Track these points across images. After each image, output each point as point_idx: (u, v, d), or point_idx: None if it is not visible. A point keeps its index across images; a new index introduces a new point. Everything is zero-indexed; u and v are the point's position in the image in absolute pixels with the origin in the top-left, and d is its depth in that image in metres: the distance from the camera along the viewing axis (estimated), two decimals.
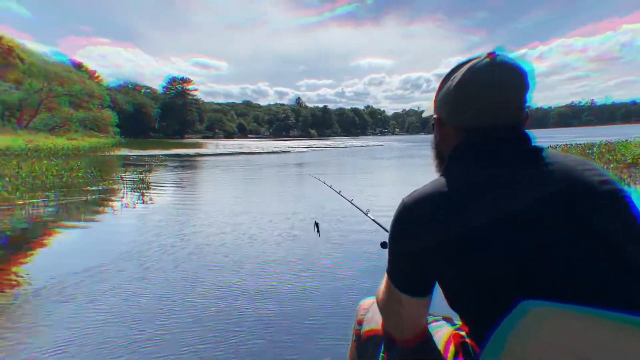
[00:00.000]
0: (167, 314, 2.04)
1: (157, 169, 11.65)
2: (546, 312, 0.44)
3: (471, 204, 0.55)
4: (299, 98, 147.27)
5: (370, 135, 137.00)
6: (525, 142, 0.61)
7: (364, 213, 1.67)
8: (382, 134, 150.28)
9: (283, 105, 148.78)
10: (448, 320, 0.84)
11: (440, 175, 0.65)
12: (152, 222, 4.29)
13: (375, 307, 0.89)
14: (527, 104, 0.63)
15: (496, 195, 0.55)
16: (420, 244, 0.59)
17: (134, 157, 18.12)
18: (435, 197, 0.59)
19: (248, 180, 8.88)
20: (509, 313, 0.45)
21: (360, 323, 0.93)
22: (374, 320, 0.88)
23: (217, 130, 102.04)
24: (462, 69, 0.64)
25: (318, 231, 3.42)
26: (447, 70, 0.70)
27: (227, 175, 10.27)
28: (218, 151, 24.84)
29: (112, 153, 21.45)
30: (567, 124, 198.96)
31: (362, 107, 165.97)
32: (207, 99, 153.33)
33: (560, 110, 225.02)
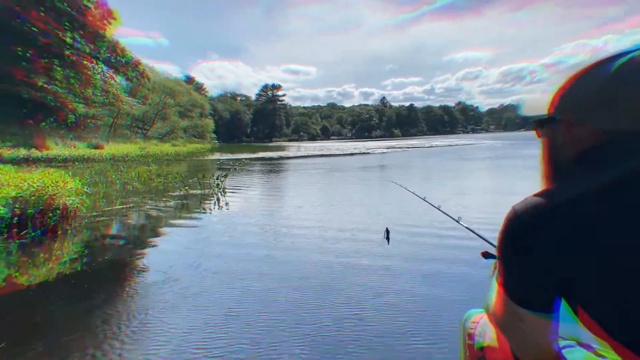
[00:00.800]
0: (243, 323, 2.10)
1: (239, 173, 12.14)
2: None
3: (599, 212, 0.50)
4: (383, 98, 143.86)
5: (460, 133, 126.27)
6: None
7: (456, 220, 1.57)
8: (474, 131, 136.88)
9: (367, 105, 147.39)
10: (584, 345, 0.72)
11: (553, 183, 0.62)
12: (226, 228, 4.42)
13: (486, 320, 0.83)
14: None
15: (631, 206, 0.49)
16: (537, 255, 0.54)
17: (222, 161, 19.61)
18: (551, 204, 0.54)
19: (325, 186, 8.44)
20: None
21: (471, 337, 0.86)
22: (488, 335, 0.81)
23: (302, 133, 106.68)
24: (617, 61, 0.54)
25: (388, 238, 3.42)
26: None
27: (305, 179, 10.05)
28: (299, 154, 25.48)
29: (205, 157, 23.70)
30: None
31: (452, 104, 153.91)
32: (295, 104, 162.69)
33: None
